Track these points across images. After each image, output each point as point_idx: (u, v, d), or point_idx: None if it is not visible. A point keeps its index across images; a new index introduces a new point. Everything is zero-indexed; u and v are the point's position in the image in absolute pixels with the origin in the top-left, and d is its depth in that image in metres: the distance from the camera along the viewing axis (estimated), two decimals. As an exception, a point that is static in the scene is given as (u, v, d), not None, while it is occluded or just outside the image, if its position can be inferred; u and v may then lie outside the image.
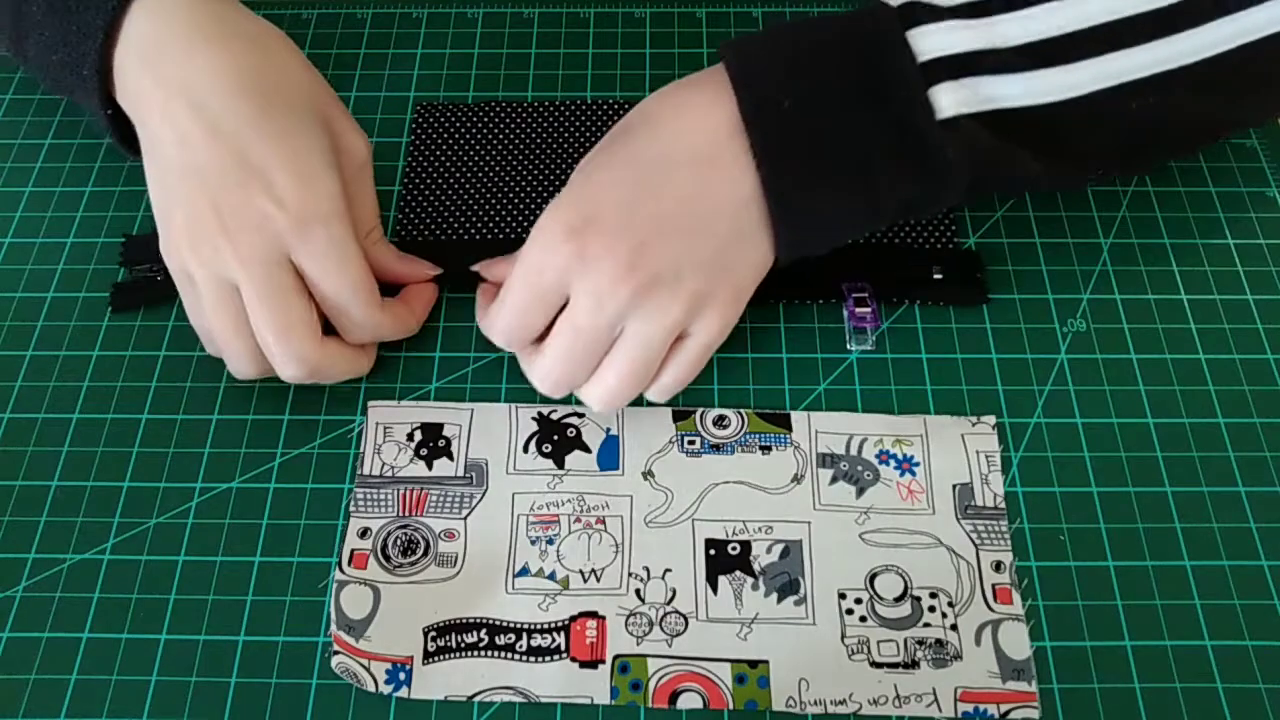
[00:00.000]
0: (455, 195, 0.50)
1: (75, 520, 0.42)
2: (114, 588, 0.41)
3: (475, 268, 0.44)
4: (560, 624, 0.40)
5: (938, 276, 0.47)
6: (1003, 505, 0.42)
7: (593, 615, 0.40)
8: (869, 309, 0.46)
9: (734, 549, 0.41)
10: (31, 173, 0.52)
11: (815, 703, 0.38)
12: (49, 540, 0.42)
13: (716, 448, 0.44)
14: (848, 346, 0.46)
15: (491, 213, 0.50)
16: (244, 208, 0.39)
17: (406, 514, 0.42)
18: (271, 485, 0.43)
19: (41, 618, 0.40)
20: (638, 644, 0.39)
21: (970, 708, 0.38)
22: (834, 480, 0.43)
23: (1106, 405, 0.44)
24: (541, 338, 0.41)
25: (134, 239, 0.49)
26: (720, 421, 0.44)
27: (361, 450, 0.44)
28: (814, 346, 0.46)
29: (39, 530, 0.42)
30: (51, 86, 0.47)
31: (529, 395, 0.45)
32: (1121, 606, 0.40)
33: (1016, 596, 0.40)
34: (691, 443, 0.44)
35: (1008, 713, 0.38)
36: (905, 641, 0.39)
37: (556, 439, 0.44)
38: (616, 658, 0.39)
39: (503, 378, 0.45)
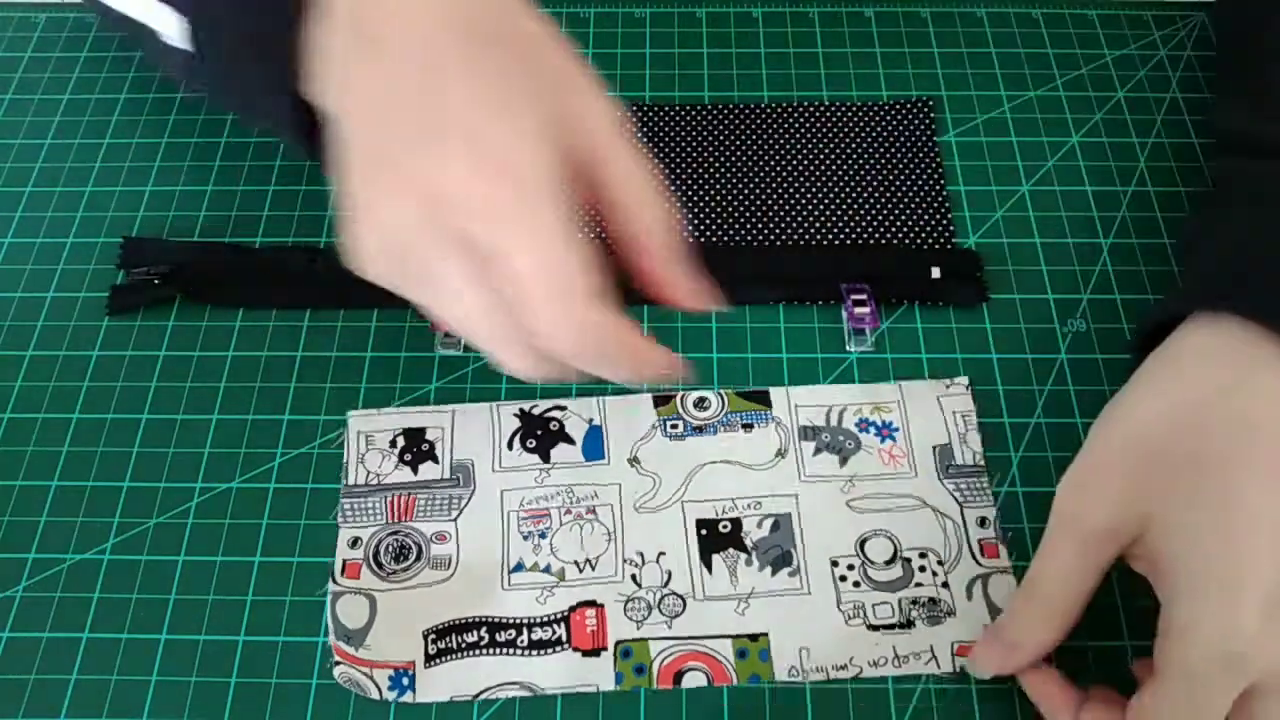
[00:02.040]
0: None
1: (75, 520, 0.42)
2: (114, 588, 0.41)
3: None
4: (560, 615, 0.40)
5: (936, 276, 0.47)
6: (982, 463, 0.43)
7: (591, 604, 0.40)
8: (868, 309, 0.46)
9: (725, 527, 0.42)
10: (31, 173, 0.52)
11: (818, 670, 0.39)
12: (49, 540, 0.42)
13: (699, 429, 0.44)
14: (846, 347, 0.46)
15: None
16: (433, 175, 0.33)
17: (396, 520, 0.42)
18: (271, 485, 0.43)
19: (41, 618, 0.40)
20: (638, 628, 0.40)
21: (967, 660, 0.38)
22: (817, 451, 0.43)
23: (1106, 405, 0.44)
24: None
25: (132, 241, 0.49)
26: (700, 403, 0.44)
27: (345, 460, 0.44)
28: (814, 347, 0.46)
29: (39, 530, 0.42)
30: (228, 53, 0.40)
31: (529, 394, 0.45)
32: (1121, 607, 0.40)
33: (1003, 550, 0.41)
34: (674, 426, 0.44)
35: None
36: (899, 602, 0.40)
37: (540, 433, 0.44)
38: (618, 643, 0.39)
39: (503, 377, 0.45)
